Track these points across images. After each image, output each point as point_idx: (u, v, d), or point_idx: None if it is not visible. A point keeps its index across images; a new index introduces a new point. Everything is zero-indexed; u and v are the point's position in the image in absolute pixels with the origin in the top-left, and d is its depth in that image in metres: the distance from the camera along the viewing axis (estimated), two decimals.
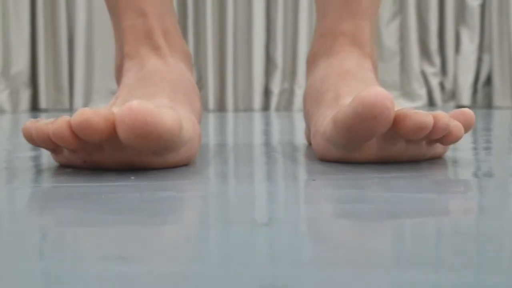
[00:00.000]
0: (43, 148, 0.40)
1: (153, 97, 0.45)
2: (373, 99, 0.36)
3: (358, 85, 0.49)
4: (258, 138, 0.71)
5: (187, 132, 0.40)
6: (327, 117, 0.44)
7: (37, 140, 0.38)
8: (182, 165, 0.41)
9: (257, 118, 1.41)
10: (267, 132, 0.84)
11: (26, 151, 0.55)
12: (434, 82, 2.05)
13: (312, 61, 0.56)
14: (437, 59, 2.06)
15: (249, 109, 2.05)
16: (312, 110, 0.50)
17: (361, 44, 0.53)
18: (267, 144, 0.62)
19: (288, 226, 0.23)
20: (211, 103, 2.03)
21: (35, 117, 1.54)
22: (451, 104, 2.07)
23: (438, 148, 0.44)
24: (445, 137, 0.40)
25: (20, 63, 2.00)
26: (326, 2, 0.55)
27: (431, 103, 2.06)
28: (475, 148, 0.54)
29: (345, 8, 0.54)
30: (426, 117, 0.37)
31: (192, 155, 0.42)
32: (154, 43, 0.50)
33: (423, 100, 2.05)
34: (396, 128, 0.38)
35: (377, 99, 0.36)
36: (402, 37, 2.06)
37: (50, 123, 0.37)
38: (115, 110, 0.41)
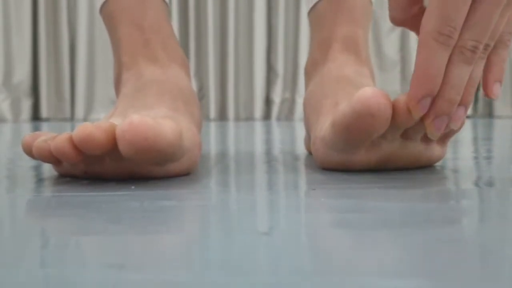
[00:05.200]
0: (42, 161, 0.40)
1: (152, 108, 0.45)
2: (370, 97, 0.37)
3: (356, 90, 0.49)
4: (259, 147, 0.71)
5: (187, 142, 0.40)
6: (326, 123, 0.44)
7: (37, 157, 0.38)
8: (183, 175, 0.41)
9: (258, 127, 1.41)
10: (268, 141, 0.84)
11: (27, 160, 0.55)
12: None
13: (310, 69, 0.57)
14: None
15: (250, 118, 2.05)
16: (312, 118, 0.51)
17: (357, 51, 0.54)
18: (268, 153, 0.62)
19: (288, 235, 0.23)
20: (212, 112, 2.03)
21: (36, 126, 1.54)
22: None
23: (435, 149, 0.44)
24: None
25: (22, 73, 2.00)
26: (319, 13, 0.56)
27: None
28: (475, 158, 0.54)
29: (339, 17, 0.54)
30: None
31: (192, 164, 0.42)
32: (151, 53, 0.50)
33: None
34: (392, 119, 0.38)
35: (374, 97, 0.37)
36: (403, 47, 2.07)
37: (50, 139, 0.37)
38: (116, 121, 0.41)
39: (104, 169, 0.38)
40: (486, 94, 0.40)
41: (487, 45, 0.37)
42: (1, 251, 0.21)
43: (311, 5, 0.57)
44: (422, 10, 0.38)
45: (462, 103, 0.38)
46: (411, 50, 2.05)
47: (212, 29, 2.03)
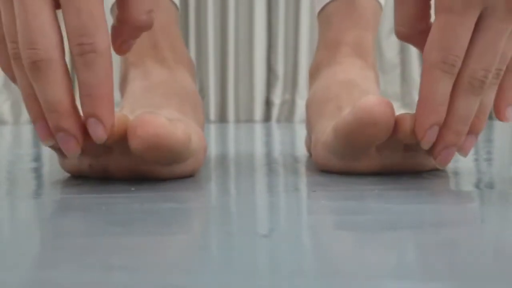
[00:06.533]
0: (53, 148, 0.40)
1: (162, 108, 0.45)
2: (373, 106, 0.36)
3: (360, 95, 0.49)
4: (259, 149, 0.71)
5: (194, 145, 0.40)
6: (328, 128, 0.44)
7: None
8: (187, 176, 0.41)
9: (258, 129, 1.41)
10: (268, 143, 0.84)
11: (28, 162, 0.55)
12: None
13: (315, 71, 0.57)
14: None
15: (250, 120, 2.05)
16: (314, 120, 0.51)
17: (364, 55, 0.54)
18: (268, 155, 0.62)
19: (288, 237, 0.23)
20: (212, 114, 2.03)
21: None
22: None
23: None
24: None
25: None
26: (330, 13, 0.56)
27: None
28: (476, 159, 0.54)
29: (349, 20, 0.54)
30: None
31: (197, 166, 0.42)
32: (159, 54, 0.51)
33: None
34: (395, 132, 0.38)
35: (378, 106, 0.36)
36: (403, 49, 2.07)
37: None
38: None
39: (110, 162, 0.38)
40: (499, 119, 0.39)
41: (498, 70, 0.36)
42: (1, 253, 0.21)
43: (321, 6, 0.57)
44: (429, 27, 0.38)
45: (472, 132, 0.38)
46: (411, 52, 2.05)
47: (212, 31, 2.03)
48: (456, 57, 0.35)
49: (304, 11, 2.03)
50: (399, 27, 0.40)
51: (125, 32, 0.38)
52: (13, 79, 0.36)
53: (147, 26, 0.37)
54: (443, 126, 0.37)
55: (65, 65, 0.34)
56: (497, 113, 0.39)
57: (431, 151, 0.42)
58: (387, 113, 0.37)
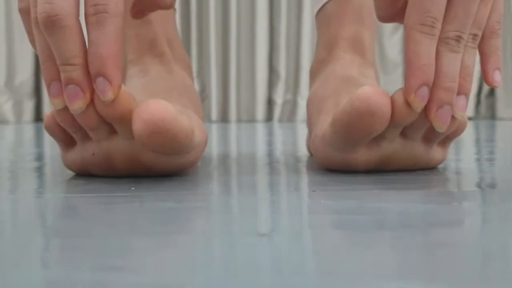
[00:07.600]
0: (58, 138, 0.40)
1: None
2: (370, 95, 0.37)
3: None
4: (260, 149, 0.71)
5: (197, 137, 0.40)
6: (326, 122, 0.44)
7: (58, 120, 0.38)
8: (186, 169, 0.41)
9: (260, 128, 1.41)
10: (269, 143, 0.84)
11: (30, 161, 0.55)
12: None
13: (315, 69, 0.57)
14: None
15: (252, 120, 2.05)
16: (315, 118, 0.51)
17: (363, 52, 0.54)
18: (270, 154, 0.62)
19: (289, 237, 0.23)
20: (214, 114, 2.03)
21: (39, 127, 1.54)
22: None
23: (436, 151, 0.44)
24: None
25: (24, 74, 2.01)
26: (328, 13, 0.56)
27: None
28: (478, 159, 0.54)
29: (346, 17, 0.55)
30: None
31: (197, 159, 0.42)
32: (158, 50, 0.51)
33: None
34: (391, 117, 0.38)
35: (374, 96, 0.37)
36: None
37: None
38: None
39: (113, 148, 0.38)
40: (488, 84, 0.40)
41: (474, 35, 0.38)
42: (2, 253, 0.21)
43: (319, 6, 0.57)
44: (406, 3, 0.39)
45: (462, 92, 0.38)
46: None
47: (214, 31, 2.03)
48: (433, 19, 0.36)
49: (306, 11, 2.03)
50: (379, 12, 0.41)
51: (146, 5, 0.40)
52: (34, 43, 0.37)
53: (168, 7, 0.40)
54: (433, 87, 0.37)
55: (80, 25, 0.35)
56: (486, 78, 0.40)
57: (430, 139, 0.42)
58: (383, 103, 0.37)
